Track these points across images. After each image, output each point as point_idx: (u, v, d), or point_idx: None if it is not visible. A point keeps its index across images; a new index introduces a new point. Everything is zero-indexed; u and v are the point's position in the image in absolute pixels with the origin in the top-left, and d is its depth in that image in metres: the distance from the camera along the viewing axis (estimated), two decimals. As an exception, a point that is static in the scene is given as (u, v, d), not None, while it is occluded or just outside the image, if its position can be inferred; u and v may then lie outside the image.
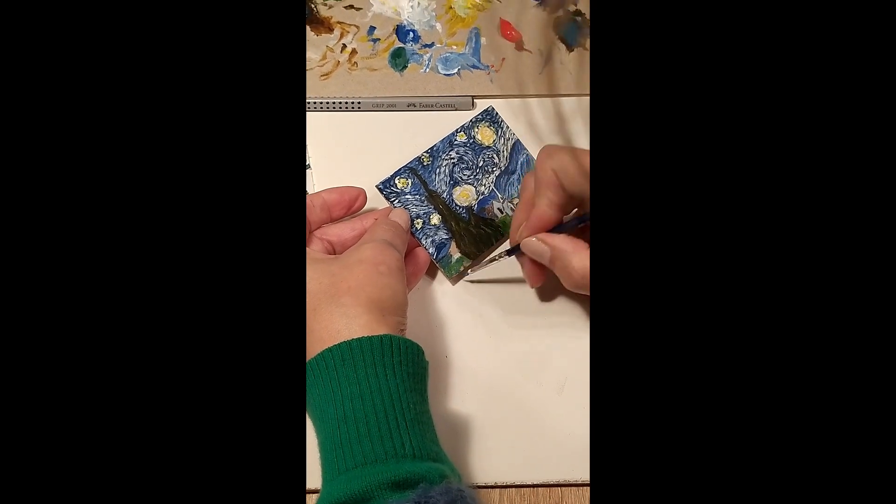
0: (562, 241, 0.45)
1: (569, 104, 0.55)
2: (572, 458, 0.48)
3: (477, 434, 0.48)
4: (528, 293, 0.52)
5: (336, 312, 0.41)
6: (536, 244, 0.46)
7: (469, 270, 0.52)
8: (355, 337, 0.40)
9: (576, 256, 0.44)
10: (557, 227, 0.47)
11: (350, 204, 0.50)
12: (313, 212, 0.49)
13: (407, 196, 0.52)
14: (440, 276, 0.52)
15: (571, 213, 0.49)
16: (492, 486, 0.47)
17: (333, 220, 0.50)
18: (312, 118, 0.55)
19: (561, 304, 0.52)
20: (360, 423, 0.38)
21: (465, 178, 0.53)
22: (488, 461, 0.48)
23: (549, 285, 0.52)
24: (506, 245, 0.53)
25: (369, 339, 0.40)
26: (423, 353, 0.43)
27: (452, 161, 0.53)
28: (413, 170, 0.52)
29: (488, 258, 0.51)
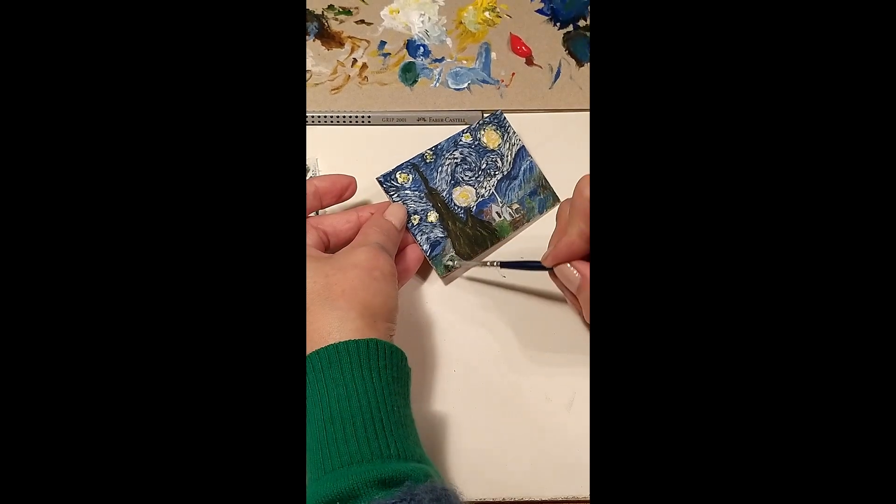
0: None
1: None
2: (581, 475, 0.47)
3: (485, 449, 0.48)
4: (535, 311, 0.52)
5: (330, 315, 0.42)
6: (568, 270, 0.45)
7: (456, 263, 0.51)
8: (344, 340, 0.40)
9: None
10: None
11: (341, 192, 0.50)
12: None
13: (406, 191, 0.51)
14: (433, 275, 0.52)
15: None
16: (499, 502, 0.47)
17: (324, 207, 0.51)
18: (322, 132, 0.56)
19: (571, 321, 0.52)
20: (346, 423, 0.38)
21: (466, 178, 0.53)
22: (496, 476, 0.47)
23: (557, 301, 0.51)
24: (501, 254, 0.53)
25: (356, 342, 0.40)
26: (406, 358, 0.43)
27: (455, 161, 0.53)
28: (415, 165, 0.52)
29: (481, 259, 0.50)
